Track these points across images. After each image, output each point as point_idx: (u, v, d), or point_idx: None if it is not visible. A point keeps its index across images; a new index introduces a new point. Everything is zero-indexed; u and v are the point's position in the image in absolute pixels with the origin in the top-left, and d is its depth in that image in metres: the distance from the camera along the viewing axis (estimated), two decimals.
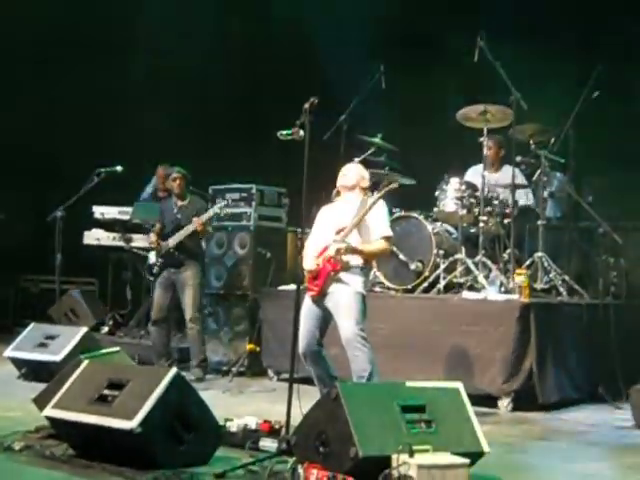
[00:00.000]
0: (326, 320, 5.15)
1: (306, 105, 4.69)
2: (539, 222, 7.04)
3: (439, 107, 7.69)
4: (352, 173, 5.39)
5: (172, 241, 7.27)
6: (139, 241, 8.81)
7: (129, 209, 8.94)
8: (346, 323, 5.00)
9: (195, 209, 7.35)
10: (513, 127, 6.88)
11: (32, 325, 7.27)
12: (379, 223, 5.24)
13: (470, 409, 4.00)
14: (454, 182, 7.14)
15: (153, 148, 9.28)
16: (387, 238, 5.24)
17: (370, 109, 7.44)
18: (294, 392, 4.30)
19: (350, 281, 5.10)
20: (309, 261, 5.17)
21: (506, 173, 7.23)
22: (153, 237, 7.47)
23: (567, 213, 7.35)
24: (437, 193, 7.27)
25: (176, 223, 7.34)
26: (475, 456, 3.81)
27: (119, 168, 7.94)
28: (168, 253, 7.28)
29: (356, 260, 5.14)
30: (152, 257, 7.44)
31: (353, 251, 5.10)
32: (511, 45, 7.22)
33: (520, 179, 7.18)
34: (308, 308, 5.15)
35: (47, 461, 4.07)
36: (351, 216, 5.17)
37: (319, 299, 5.12)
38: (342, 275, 5.09)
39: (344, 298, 5.06)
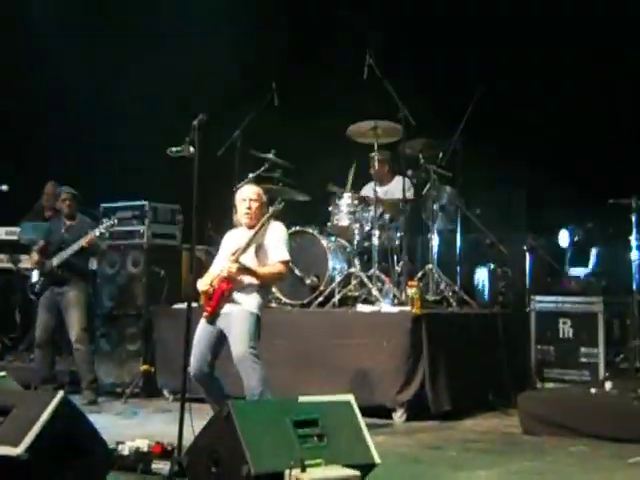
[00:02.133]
0: (220, 341, 5.11)
1: (195, 122, 4.69)
2: (430, 235, 7.23)
3: (330, 123, 7.79)
4: (253, 190, 5.34)
5: (56, 259, 7.10)
6: (28, 262, 8.56)
7: (16, 229, 8.70)
8: (237, 343, 4.98)
9: (83, 229, 7.21)
10: (403, 142, 7.05)
11: None
12: (277, 245, 5.23)
13: (361, 421, 4.06)
14: (347, 197, 7.26)
15: (38, 166, 9.06)
16: (284, 262, 5.22)
17: (263, 125, 7.49)
18: (187, 412, 4.27)
19: (244, 301, 5.09)
20: (203, 282, 5.15)
21: (397, 186, 7.39)
22: (35, 256, 7.29)
23: (456, 226, 7.55)
24: (331, 208, 7.37)
25: (62, 242, 7.18)
26: (366, 468, 3.88)
27: (4, 187, 7.71)
28: (52, 272, 7.11)
29: (250, 280, 5.12)
30: (34, 276, 7.26)
31: (246, 271, 5.09)
32: (399, 62, 7.41)
33: (410, 192, 7.35)
34: (202, 329, 5.12)
35: None
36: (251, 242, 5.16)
37: (213, 320, 5.10)
38: (236, 295, 5.08)
39: (237, 318, 5.04)
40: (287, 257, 5.24)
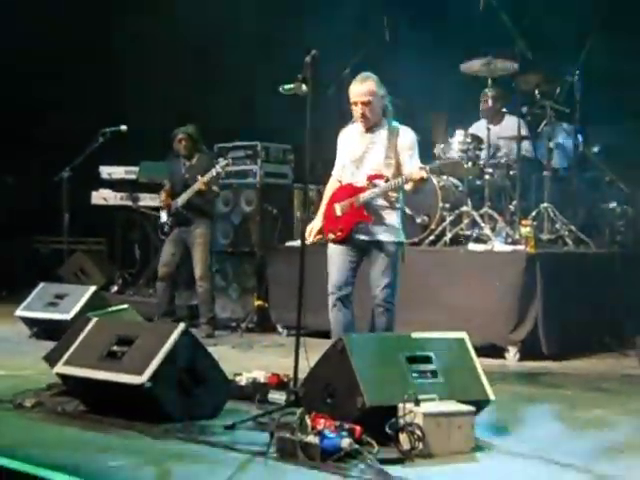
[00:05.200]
0: (356, 265, 4.87)
1: (307, 58, 4.63)
2: (545, 173, 7.01)
3: (442, 59, 7.59)
4: (365, 88, 4.80)
5: (180, 200, 7.27)
6: (146, 200, 8.83)
7: (135, 168, 8.94)
8: (379, 279, 4.77)
9: (202, 167, 7.31)
10: (518, 77, 6.81)
11: (42, 285, 7.31)
12: (411, 155, 4.79)
13: (475, 359, 4.02)
14: (459, 134, 7.10)
15: (157, 106, 9.22)
16: (423, 168, 4.74)
17: (374, 62, 7.36)
18: (302, 345, 4.32)
19: (387, 228, 4.79)
20: (339, 206, 4.85)
21: (508, 125, 7.17)
22: (163, 196, 7.47)
23: (573, 163, 7.30)
24: (442, 146, 7.24)
25: (184, 182, 7.33)
26: (481, 404, 3.85)
27: (123, 127, 7.91)
28: (177, 212, 7.30)
29: (391, 204, 4.82)
30: (163, 216, 7.42)
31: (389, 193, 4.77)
32: None
33: (524, 130, 7.13)
34: (335, 252, 4.87)
35: (59, 417, 4.13)
36: (380, 150, 4.81)
37: (347, 244, 4.86)
38: (378, 221, 4.80)
39: (380, 247, 4.78)
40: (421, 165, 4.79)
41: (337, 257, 4.88)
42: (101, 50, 9.76)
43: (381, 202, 4.83)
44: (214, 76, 9.48)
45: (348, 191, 4.89)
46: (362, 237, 4.83)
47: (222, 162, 7.21)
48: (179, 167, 7.46)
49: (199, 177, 7.18)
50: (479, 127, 7.29)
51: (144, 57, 9.67)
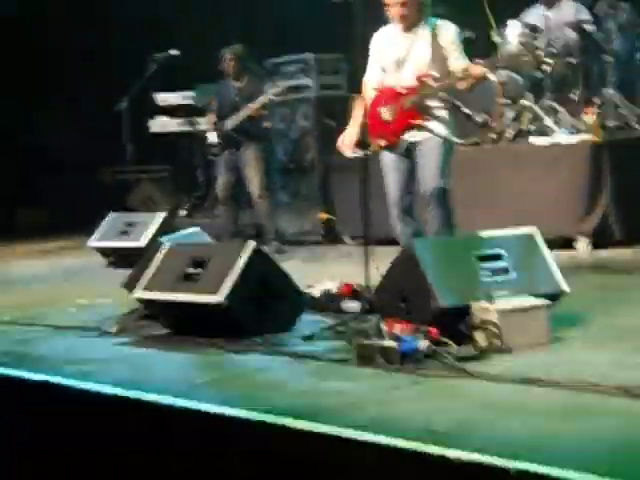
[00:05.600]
0: (412, 171, 4.75)
1: None
2: (607, 58, 6.77)
3: None
4: None
5: (230, 123, 7.24)
6: (205, 124, 8.84)
7: (191, 93, 8.94)
8: (427, 173, 4.62)
9: (252, 91, 7.25)
10: None
11: (111, 214, 7.44)
12: (456, 51, 4.59)
13: (547, 251, 3.99)
14: (514, 25, 6.86)
15: (209, 28, 9.13)
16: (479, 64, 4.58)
17: None
18: (371, 254, 4.35)
19: (437, 128, 4.66)
20: (387, 110, 4.69)
21: (567, 9, 6.90)
22: (212, 117, 7.46)
23: (637, 46, 7.02)
24: (496, 40, 7.02)
25: (234, 105, 7.28)
26: (555, 297, 3.84)
27: (174, 52, 7.87)
28: (227, 135, 7.28)
29: (443, 103, 4.67)
30: (212, 137, 7.43)
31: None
32: None
33: (585, 14, 6.86)
34: (388, 164, 4.80)
35: (144, 341, 4.26)
36: (424, 48, 4.65)
37: (398, 150, 4.75)
38: (427, 122, 4.68)
39: (428, 145, 4.65)
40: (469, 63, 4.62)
41: (391, 169, 4.80)
42: None
43: (431, 102, 4.69)
44: None
45: (393, 94, 4.74)
46: (412, 139, 4.71)
47: (273, 89, 7.10)
48: (228, 89, 7.40)
49: (249, 103, 7.10)
50: (535, 14, 7.02)
51: None
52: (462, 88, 4.67)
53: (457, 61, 4.62)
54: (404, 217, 4.80)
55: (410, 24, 4.70)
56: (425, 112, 4.69)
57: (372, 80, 4.86)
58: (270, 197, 7.47)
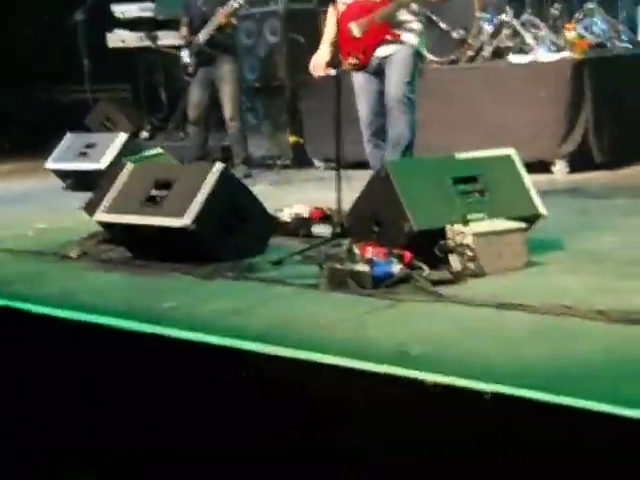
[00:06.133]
0: (383, 92, 4.74)
1: None
2: None
3: None
4: None
5: (202, 36, 7.09)
6: (167, 39, 8.63)
7: (151, 4, 8.71)
8: (394, 80, 4.62)
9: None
10: None
11: (69, 135, 7.29)
12: None
13: (525, 174, 4.01)
14: None
15: None
16: None
17: None
18: (343, 177, 4.34)
19: (403, 36, 4.67)
20: (356, 26, 4.63)
21: None
22: (184, 31, 7.28)
23: None
24: None
25: (202, 16, 7.12)
26: (532, 219, 3.87)
27: None
28: (200, 50, 7.14)
29: (415, 15, 4.65)
30: (185, 55, 7.25)
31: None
32: None
33: None
34: (360, 84, 4.78)
35: (106, 265, 4.25)
36: None
37: (370, 69, 4.74)
38: (393, 29, 4.65)
39: (397, 56, 4.65)
40: None
41: (363, 89, 4.78)
42: None
43: (404, 16, 4.65)
44: None
45: (363, 8, 4.68)
46: (384, 54, 4.68)
47: None
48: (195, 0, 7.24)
49: (219, 9, 6.97)
50: None
51: None
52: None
53: None
54: (375, 140, 4.82)
55: None
56: (397, 26, 4.63)
57: None
58: (242, 119, 7.37)
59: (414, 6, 4.66)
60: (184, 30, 7.26)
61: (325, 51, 4.80)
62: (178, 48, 7.63)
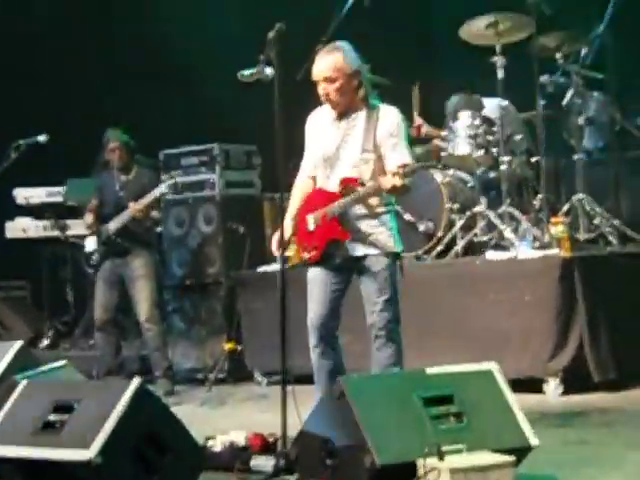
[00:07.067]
0: (341, 293, 4.83)
1: (270, 34, 4.64)
2: (576, 157, 7.05)
3: (435, 23, 7.66)
4: (330, 61, 4.69)
5: (113, 225, 7.23)
6: (77, 228, 8.76)
7: (60, 189, 8.91)
8: (376, 301, 4.72)
9: (141, 185, 7.29)
10: (535, 38, 6.85)
11: None
12: (395, 144, 4.70)
13: (510, 394, 4.02)
14: (465, 116, 7.13)
15: (82, 108, 9.20)
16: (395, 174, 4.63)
17: (351, 33, 7.39)
18: (290, 395, 4.30)
19: (377, 237, 4.74)
20: (312, 218, 4.78)
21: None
22: (89, 218, 7.42)
23: (611, 142, 7.34)
24: (444, 133, 7.27)
25: (118, 202, 7.30)
26: (521, 452, 3.84)
27: (42, 138, 7.86)
28: (109, 240, 7.25)
29: (374, 212, 4.76)
30: (90, 243, 7.39)
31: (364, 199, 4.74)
32: None
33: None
34: (313, 279, 4.84)
35: None
36: (356, 143, 4.73)
37: (327, 266, 4.81)
38: (358, 236, 4.75)
39: (371, 268, 4.73)
40: (409, 160, 4.71)
41: (316, 285, 4.85)
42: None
43: (360, 211, 4.78)
44: (153, 66, 9.49)
45: (321, 198, 4.84)
46: (342, 256, 4.78)
47: (165, 182, 7.18)
48: (112, 182, 7.42)
49: (131, 203, 7.12)
50: (490, 104, 7.30)
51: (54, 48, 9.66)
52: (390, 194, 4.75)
53: (392, 159, 4.70)
54: (323, 347, 4.83)
55: (344, 109, 4.80)
56: (352, 225, 4.75)
57: (306, 170, 4.97)
58: (161, 322, 7.39)
59: (373, 201, 4.77)
60: (89, 216, 7.41)
61: (290, 226, 4.89)
62: (84, 236, 7.74)
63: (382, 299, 4.74)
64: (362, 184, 4.72)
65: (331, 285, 4.83)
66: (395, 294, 4.78)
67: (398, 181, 4.56)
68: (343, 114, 4.81)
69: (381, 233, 4.78)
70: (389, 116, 4.79)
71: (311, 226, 4.82)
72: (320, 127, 4.90)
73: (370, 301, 4.77)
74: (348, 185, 4.74)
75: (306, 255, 4.83)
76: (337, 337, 4.88)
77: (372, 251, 4.76)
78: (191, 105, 9.23)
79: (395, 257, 4.80)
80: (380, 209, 4.80)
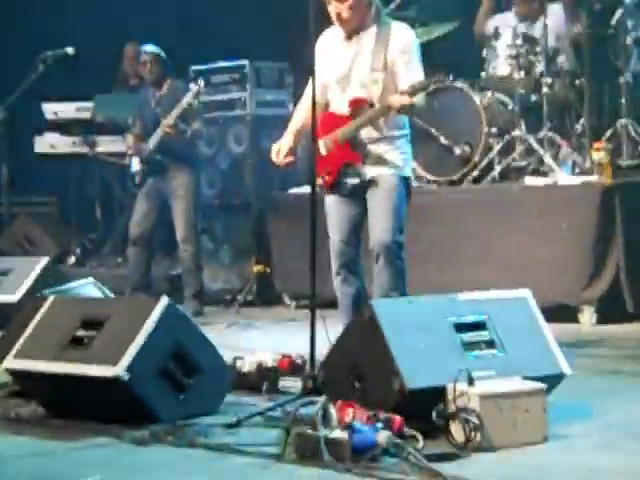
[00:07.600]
0: (359, 219, 4.87)
1: None
2: (621, 79, 6.95)
3: None
4: None
5: (151, 143, 7.24)
6: (106, 144, 8.81)
7: (89, 104, 8.90)
8: (378, 220, 4.74)
9: (175, 98, 7.27)
10: None
11: None
12: (408, 62, 4.68)
13: (543, 322, 4.03)
14: (506, 35, 7.04)
15: (113, 22, 9.15)
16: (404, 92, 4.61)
17: None
18: (318, 318, 4.34)
19: (387, 158, 4.76)
20: (323, 143, 4.74)
21: (554, 17, 7.07)
22: (130, 139, 7.46)
23: None
24: (484, 53, 7.20)
25: (156, 119, 7.29)
26: (553, 380, 3.86)
27: (70, 50, 7.85)
28: (150, 158, 7.26)
29: (386, 134, 4.76)
30: (134, 164, 7.40)
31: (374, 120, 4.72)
32: None
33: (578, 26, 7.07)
34: (330, 205, 4.89)
35: (13, 425, 4.15)
36: (366, 62, 4.71)
37: (341, 191, 4.84)
38: (371, 158, 4.76)
39: (380, 186, 4.75)
40: (422, 79, 4.69)
41: (334, 213, 4.90)
42: None
43: (373, 134, 4.77)
44: None
45: (331, 122, 4.83)
46: (355, 180, 4.80)
47: (192, 89, 7.11)
48: (147, 99, 7.42)
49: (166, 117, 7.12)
50: (505, 19, 7.21)
51: None
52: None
53: (405, 78, 4.67)
54: (345, 273, 4.90)
55: (354, 27, 4.76)
56: (364, 148, 4.76)
57: (316, 94, 4.81)
58: (197, 243, 7.43)
59: (381, 123, 4.75)
60: (130, 138, 7.42)
61: (288, 138, 4.93)
62: (121, 155, 7.77)
63: (386, 219, 4.74)
64: (371, 105, 4.72)
65: (348, 212, 4.88)
66: (400, 217, 4.79)
67: (407, 100, 4.55)
68: (353, 33, 4.77)
69: (394, 156, 4.80)
70: (401, 34, 4.77)
71: (323, 151, 4.82)
72: (331, 49, 4.86)
73: (374, 223, 4.78)
74: (357, 107, 4.74)
75: (320, 180, 4.84)
76: (359, 264, 4.94)
77: (383, 171, 4.77)
78: (222, 22, 9.14)
79: (405, 180, 4.83)
80: (394, 132, 4.82)
